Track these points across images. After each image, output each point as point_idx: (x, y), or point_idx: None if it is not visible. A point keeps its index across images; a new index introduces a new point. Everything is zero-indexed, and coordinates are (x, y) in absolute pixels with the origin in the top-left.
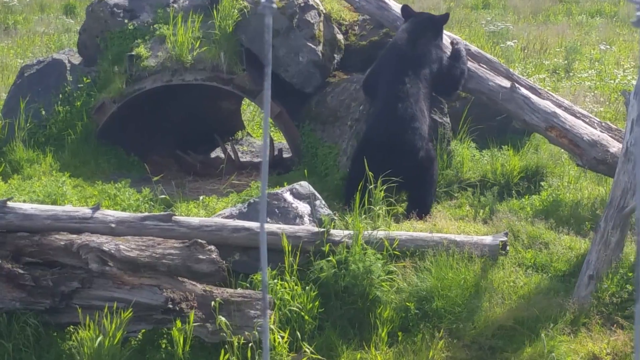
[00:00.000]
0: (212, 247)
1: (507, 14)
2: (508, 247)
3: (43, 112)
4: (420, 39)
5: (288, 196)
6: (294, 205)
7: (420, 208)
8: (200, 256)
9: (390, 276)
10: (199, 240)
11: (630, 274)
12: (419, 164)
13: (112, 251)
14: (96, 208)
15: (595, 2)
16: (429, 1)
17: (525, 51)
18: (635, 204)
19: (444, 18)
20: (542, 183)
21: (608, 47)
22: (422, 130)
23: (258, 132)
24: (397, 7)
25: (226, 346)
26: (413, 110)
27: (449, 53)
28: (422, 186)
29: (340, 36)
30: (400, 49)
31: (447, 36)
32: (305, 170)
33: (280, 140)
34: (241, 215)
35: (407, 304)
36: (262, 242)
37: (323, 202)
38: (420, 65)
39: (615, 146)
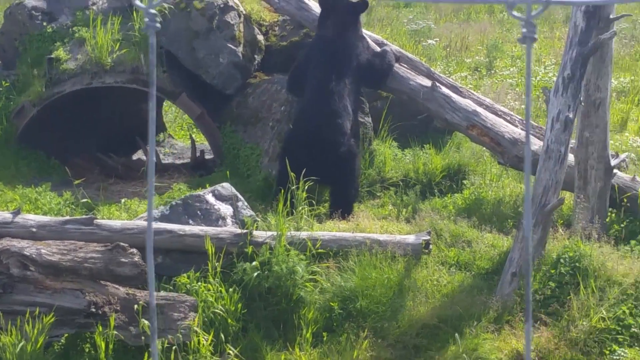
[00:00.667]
0: (135, 250)
1: (429, 13)
2: (431, 246)
3: None
4: (342, 31)
5: (210, 198)
6: (216, 207)
7: (342, 206)
8: (123, 259)
9: (314, 277)
10: (121, 244)
11: (552, 271)
12: (341, 159)
13: (34, 256)
14: (17, 212)
15: None
16: None
17: (447, 49)
18: (557, 201)
19: (363, 6)
20: (464, 181)
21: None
22: (344, 126)
23: (180, 134)
24: (317, 8)
25: (150, 349)
26: (336, 106)
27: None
28: (344, 183)
29: (260, 37)
30: (323, 44)
31: (376, 38)
32: (228, 172)
33: (202, 142)
34: (163, 218)
35: (331, 304)
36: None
37: (245, 203)
38: (345, 59)
39: (536, 144)
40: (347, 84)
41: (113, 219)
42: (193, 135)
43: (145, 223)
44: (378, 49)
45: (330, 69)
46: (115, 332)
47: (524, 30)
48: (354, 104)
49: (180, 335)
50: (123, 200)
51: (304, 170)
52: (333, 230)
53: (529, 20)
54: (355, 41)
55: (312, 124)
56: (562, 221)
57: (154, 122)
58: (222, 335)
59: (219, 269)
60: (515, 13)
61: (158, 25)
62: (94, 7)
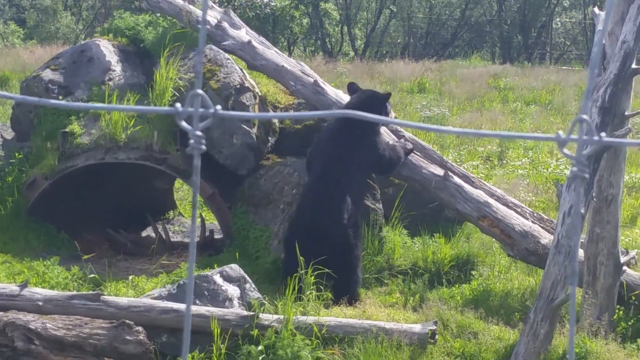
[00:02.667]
0: (140, 328)
1: (443, 99)
2: (437, 336)
3: None
4: (354, 124)
5: (218, 278)
6: (223, 287)
7: (345, 294)
8: (128, 337)
9: None
10: (127, 321)
11: None
12: (338, 250)
13: (39, 330)
14: (24, 285)
15: (531, 90)
16: (365, 84)
17: (460, 138)
18: (565, 296)
19: (386, 96)
20: (473, 272)
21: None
22: (340, 216)
23: (190, 212)
24: (332, 92)
25: None
26: (333, 196)
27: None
28: (344, 272)
29: (275, 119)
30: (337, 129)
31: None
32: (237, 253)
33: (212, 221)
34: (170, 297)
35: None
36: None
37: (253, 285)
38: (353, 147)
39: (546, 237)
40: (351, 172)
41: (120, 295)
42: (203, 215)
43: (151, 301)
44: (390, 140)
45: (336, 156)
46: None
47: (574, 169)
48: (358, 192)
49: None
50: (131, 277)
51: (306, 255)
52: (340, 316)
53: (580, 159)
54: (369, 130)
55: (309, 212)
56: (569, 317)
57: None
58: None
59: (223, 351)
60: (566, 151)
61: (203, 147)
62: (110, 83)
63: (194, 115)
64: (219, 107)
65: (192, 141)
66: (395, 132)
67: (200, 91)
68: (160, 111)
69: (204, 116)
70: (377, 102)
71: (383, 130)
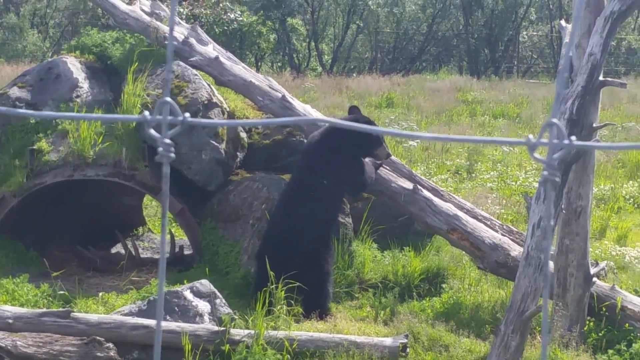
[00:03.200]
0: (111, 345)
1: (411, 113)
2: (408, 349)
3: None
4: (342, 143)
5: (188, 294)
6: (194, 303)
7: (316, 308)
8: (99, 354)
9: None
10: (97, 338)
11: None
12: (309, 264)
13: (9, 347)
14: None
15: (499, 104)
16: (333, 99)
17: (428, 151)
18: (535, 308)
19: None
20: (443, 285)
21: (510, 148)
22: (308, 231)
23: (159, 228)
24: (300, 107)
25: None
26: (302, 210)
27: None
28: (315, 286)
29: (243, 134)
30: (317, 143)
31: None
32: (207, 268)
33: (182, 237)
34: (140, 313)
35: None
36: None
37: (223, 300)
38: (340, 165)
39: (516, 249)
40: (330, 188)
41: (90, 312)
42: (173, 231)
43: (122, 318)
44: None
45: (309, 170)
46: None
47: (545, 173)
48: (333, 208)
49: None
50: (100, 294)
51: (277, 269)
52: (311, 330)
53: (551, 163)
54: (347, 149)
55: (279, 227)
56: (540, 328)
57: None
58: None
59: None
60: (537, 155)
61: (172, 155)
62: (78, 100)
63: (162, 123)
64: (187, 114)
65: (160, 149)
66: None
67: (168, 99)
68: (129, 119)
69: (172, 124)
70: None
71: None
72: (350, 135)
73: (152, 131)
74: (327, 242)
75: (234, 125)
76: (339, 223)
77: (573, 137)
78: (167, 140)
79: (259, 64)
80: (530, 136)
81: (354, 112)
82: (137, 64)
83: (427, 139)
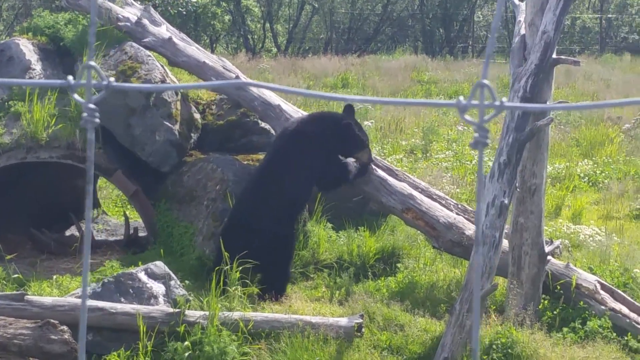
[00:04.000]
0: (65, 328)
1: (366, 94)
2: (363, 329)
3: None
4: (319, 134)
5: (143, 276)
6: (148, 285)
7: (272, 289)
8: (53, 336)
9: (246, 357)
10: (52, 321)
11: (485, 357)
12: (268, 244)
13: None
14: None
15: (454, 84)
16: (288, 80)
17: (383, 131)
18: (490, 287)
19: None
20: (398, 265)
21: (465, 128)
22: (271, 212)
23: (114, 210)
24: (255, 88)
25: None
26: (269, 191)
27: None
28: (273, 267)
29: (197, 115)
30: (293, 131)
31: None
32: (161, 250)
33: (137, 219)
34: (95, 295)
35: None
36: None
37: (178, 282)
38: (301, 155)
39: (470, 228)
40: (292, 172)
41: (44, 295)
42: (127, 213)
43: (76, 300)
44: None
45: (282, 154)
46: None
47: (476, 135)
48: (296, 191)
49: None
50: (55, 277)
51: (236, 250)
52: (265, 311)
53: (481, 124)
54: (323, 141)
55: (244, 207)
56: (495, 307)
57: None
58: None
59: (150, 348)
60: (467, 117)
61: (97, 120)
62: None
63: (86, 88)
64: (112, 79)
65: (85, 114)
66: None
67: (93, 63)
68: (52, 84)
69: (97, 89)
70: (336, 124)
71: None
72: (327, 128)
73: (77, 96)
74: (292, 225)
75: (160, 90)
76: (305, 208)
77: (504, 99)
78: (92, 105)
79: (214, 45)
80: (461, 98)
81: (348, 112)
82: (86, 46)
83: (354, 101)
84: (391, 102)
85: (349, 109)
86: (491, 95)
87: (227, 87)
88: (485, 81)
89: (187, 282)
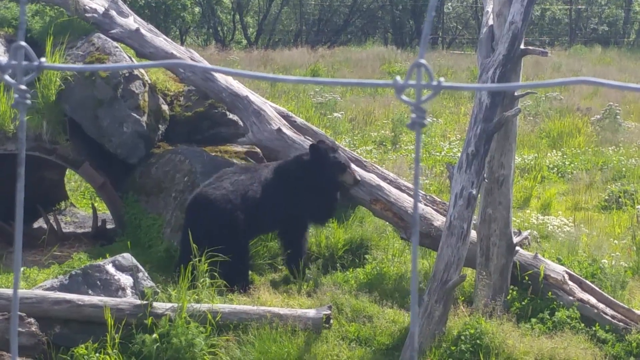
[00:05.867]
0: (32, 320)
1: (336, 85)
2: (332, 321)
3: None
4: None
5: (110, 268)
6: (116, 277)
7: (234, 280)
8: (20, 329)
9: (214, 350)
10: (19, 313)
11: (453, 348)
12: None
13: None
14: None
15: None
16: (257, 72)
17: (353, 123)
18: (458, 277)
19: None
20: (367, 256)
21: (435, 119)
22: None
23: (82, 202)
24: (222, 79)
25: None
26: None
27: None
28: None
29: (165, 107)
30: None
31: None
32: (129, 242)
33: (105, 211)
34: (62, 287)
35: None
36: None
37: (146, 274)
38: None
39: (439, 219)
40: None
41: (11, 287)
42: (95, 205)
43: (43, 292)
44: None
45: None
46: None
47: (413, 115)
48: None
49: None
50: (22, 269)
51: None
52: (234, 303)
53: (419, 105)
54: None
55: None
56: (463, 298)
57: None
58: None
59: (117, 340)
60: (404, 97)
61: (28, 101)
62: None
63: (17, 69)
64: (43, 59)
65: (16, 95)
66: (285, 116)
67: (23, 43)
68: None
69: (28, 70)
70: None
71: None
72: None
73: (7, 77)
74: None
75: (94, 70)
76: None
77: (442, 79)
78: (22, 87)
79: (184, 37)
80: (398, 78)
81: (322, 144)
82: (56, 36)
83: (286, 82)
84: (328, 82)
85: (314, 148)
86: (429, 75)
87: (166, 66)
88: (422, 60)
89: (155, 273)
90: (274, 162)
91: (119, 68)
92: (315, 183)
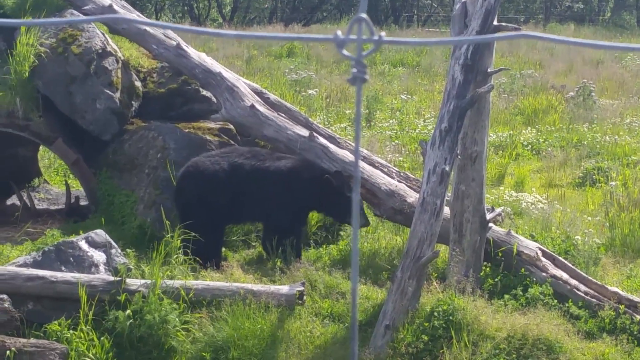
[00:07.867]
0: (5, 296)
1: (311, 63)
2: (305, 297)
3: None
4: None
5: (83, 244)
6: (89, 253)
7: (207, 257)
8: None
9: (187, 326)
10: None
11: (426, 324)
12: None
13: None
14: None
15: (399, 52)
16: (232, 49)
17: (328, 100)
18: (432, 254)
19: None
20: (340, 232)
21: (409, 96)
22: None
23: (55, 179)
24: (195, 55)
25: None
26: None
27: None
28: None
29: (138, 83)
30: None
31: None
32: (102, 218)
33: (78, 188)
34: (35, 264)
35: (203, 354)
36: None
37: (119, 250)
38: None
39: (412, 196)
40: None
41: None
42: (68, 181)
43: (16, 269)
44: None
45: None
46: None
47: (354, 70)
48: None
49: None
50: None
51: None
52: (207, 279)
53: (360, 59)
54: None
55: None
56: (436, 274)
57: None
58: None
59: (90, 317)
60: (345, 52)
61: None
62: None
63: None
64: (383, 33)
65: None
66: (259, 93)
67: (364, 16)
68: None
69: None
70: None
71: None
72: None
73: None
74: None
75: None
76: None
77: (383, 33)
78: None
79: (159, 14)
80: (339, 32)
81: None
82: (30, 13)
83: (231, 37)
84: (267, 36)
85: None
86: (369, 30)
87: (103, 21)
88: (363, 15)
89: (128, 250)
90: (289, 160)
91: (65, 23)
92: (326, 203)
